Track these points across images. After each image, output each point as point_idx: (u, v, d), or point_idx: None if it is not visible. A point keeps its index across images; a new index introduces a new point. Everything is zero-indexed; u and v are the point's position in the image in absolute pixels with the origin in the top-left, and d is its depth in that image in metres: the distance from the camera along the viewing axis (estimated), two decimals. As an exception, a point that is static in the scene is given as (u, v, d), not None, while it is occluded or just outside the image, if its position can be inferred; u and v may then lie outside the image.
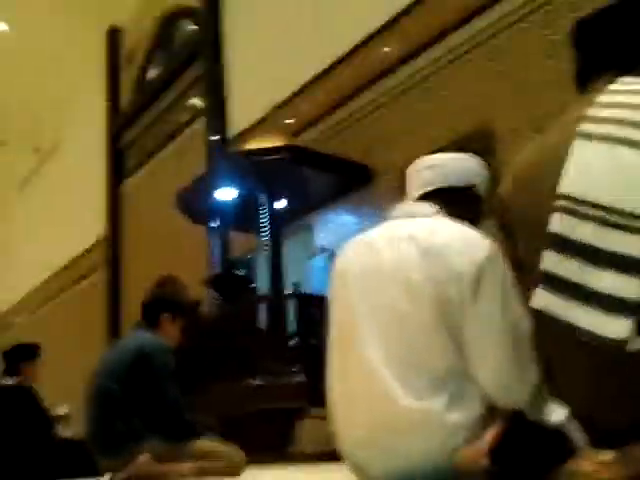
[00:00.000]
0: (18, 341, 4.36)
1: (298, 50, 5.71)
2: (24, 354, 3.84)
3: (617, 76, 1.19)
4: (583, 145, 1.11)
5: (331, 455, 2.21)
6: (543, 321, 1.12)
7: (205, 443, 2.64)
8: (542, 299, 1.10)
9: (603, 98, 1.15)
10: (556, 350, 1.15)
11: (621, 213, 1.03)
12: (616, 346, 1.01)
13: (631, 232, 1.02)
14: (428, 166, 1.62)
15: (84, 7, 9.07)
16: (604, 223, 1.04)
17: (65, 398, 6.58)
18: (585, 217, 1.06)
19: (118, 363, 2.72)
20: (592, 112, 1.13)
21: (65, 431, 4.91)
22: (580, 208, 1.07)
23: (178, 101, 7.77)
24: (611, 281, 1.02)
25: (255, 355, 3.70)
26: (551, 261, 1.09)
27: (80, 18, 9.23)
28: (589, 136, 1.11)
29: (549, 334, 1.13)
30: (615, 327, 1.01)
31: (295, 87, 5.64)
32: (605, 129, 1.09)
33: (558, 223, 1.09)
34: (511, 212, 1.28)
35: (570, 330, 1.05)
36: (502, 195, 1.32)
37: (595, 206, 1.05)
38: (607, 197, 1.05)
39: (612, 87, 1.17)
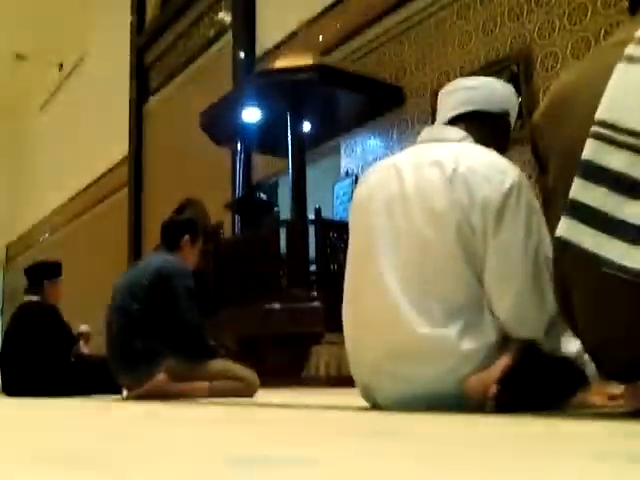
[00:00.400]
0: (41, 259, 4.40)
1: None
2: (46, 272, 3.86)
3: None
4: (625, 68, 1.03)
5: (345, 380, 2.20)
6: (566, 251, 1.07)
7: (221, 363, 2.66)
8: (566, 228, 1.05)
9: None
10: (576, 280, 1.10)
11: None
12: (636, 278, 0.96)
13: None
14: (462, 88, 1.57)
15: None
16: (638, 151, 0.98)
17: (87, 316, 6.77)
18: (618, 144, 1.00)
19: (138, 284, 2.73)
20: (639, 34, 1.05)
21: (85, 348, 5.05)
22: (614, 134, 1.01)
23: (204, 16, 7.51)
24: (638, 210, 0.97)
25: (274, 279, 3.69)
26: (579, 189, 1.04)
27: None
28: (631, 59, 1.03)
29: (571, 264, 1.09)
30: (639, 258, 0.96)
31: (326, 3, 5.37)
32: None
33: (590, 150, 1.03)
34: (544, 139, 1.22)
35: (592, 260, 1.01)
36: (536, 121, 1.26)
37: (631, 133, 0.99)
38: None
39: None
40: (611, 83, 1.04)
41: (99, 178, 9.85)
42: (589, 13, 3.52)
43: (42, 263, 4.03)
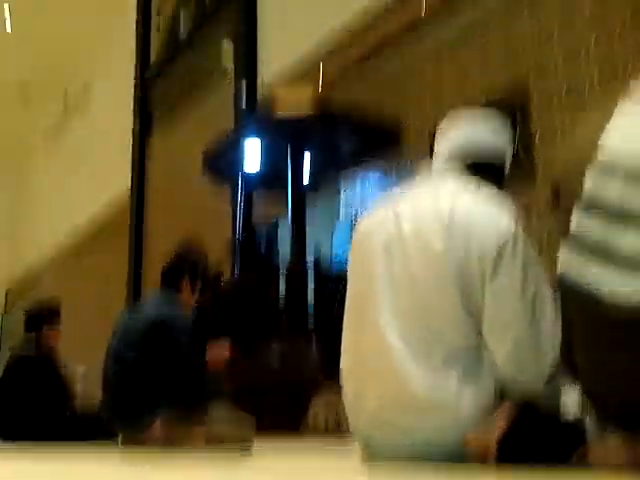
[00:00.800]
0: (40, 296, 4.40)
1: (332, 2, 5.52)
2: (45, 317, 3.85)
3: None
4: (626, 108, 1.12)
5: (343, 430, 2.17)
6: (566, 291, 1.11)
7: (217, 411, 2.64)
8: (565, 260, 1.10)
9: None
10: (576, 321, 1.13)
11: None
12: (632, 312, 0.99)
13: None
14: (457, 127, 1.59)
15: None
16: (634, 183, 1.02)
17: (84, 355, 6.70)
18: (614, 177, 1.05)
19: (134, 330, 2.73)
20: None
21: (81, 391, 4.99)
22: (612, 170, 1.07)
23: (208, 55, 7.63)
24: (632, 240, 1.00)
25: (272, 324, 3.67)
26: (577, 221, 1.09)
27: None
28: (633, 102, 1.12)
29: (571, 303, 1.13)
30: (634, 286, 0.99)
31: (328, 41, 5.46)
32: None
33: (589, 184, 1.09)
34: (567, 193, 1.27)
35: (590, 295, 1.03)
36: (559, 176, 1.37)
37: (626, 168, 1.04)
38: (637, 159, 1.03)
39: None
40: (613, 122, 1.12)
41: (99, 214, 9.89)
42: (581, 56, 3.59)
43: (41, 308, 4.01)
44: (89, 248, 10.26)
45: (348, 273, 1.57)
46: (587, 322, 1.09)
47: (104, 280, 9.43)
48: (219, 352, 2.93)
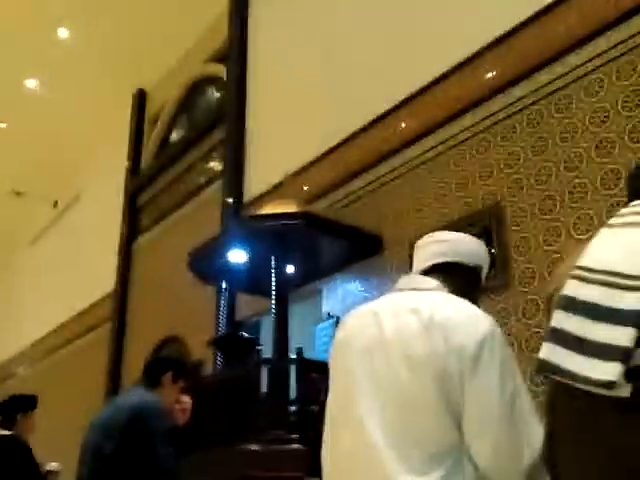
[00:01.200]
0: (17, 392, 4.32)
1: (315, 123, 5.91)
2: (20, 405, 3.79)
3: None
4: (603, 231, 1.27)
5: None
6: (544, 370, 1.19)
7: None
8: (546, 351, 1.18)
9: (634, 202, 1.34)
10: (556, 405, 1.20)
11: (621, 275, 1.13)
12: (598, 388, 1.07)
13: (627, 290, 1.12)
14: (439, 240, 1.68)
15: (115, 69, 9.47)
16: (605, 284, 1.15)
17: (59, 452, 6.48)
18: (592, 281, 1.18)
19: (113, 422, 2.69)
20: (621, 211, 1.32)
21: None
22: (589, 275, 1.19)
23: (197, 164, 7.98)
24: (604, 331, 1.10)
25: (253, 420, 3.65)
26: (557, 318, 1.20)
27: (110, 79, 9.61)
28: (611, 226, 1.27)
29: (550, 386, 1.21)
30: (604, 370, 1.07)
31: (311, 157, 5.79)
32: (622, 219, 1.27)
33: (569, 287, 1.21)
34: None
35: (565, 376, 1.13)
36: (548, 294, 1.43)
37: (601, 272, 1.17)
38: (611, 264, 1.16)
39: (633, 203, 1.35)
40: (591, 242, 1.25)
41: (81, 313, 9.85)
42: (553, 175, 3.84)
43: (16, 396, 3.96)
44: (68, 347, 10.14)
45: (330, 373, 1.57)
46: (566, 405, 1.17)
47: (82, 380, 9.25)
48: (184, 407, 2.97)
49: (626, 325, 1.08)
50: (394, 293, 1.58)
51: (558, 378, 1.15)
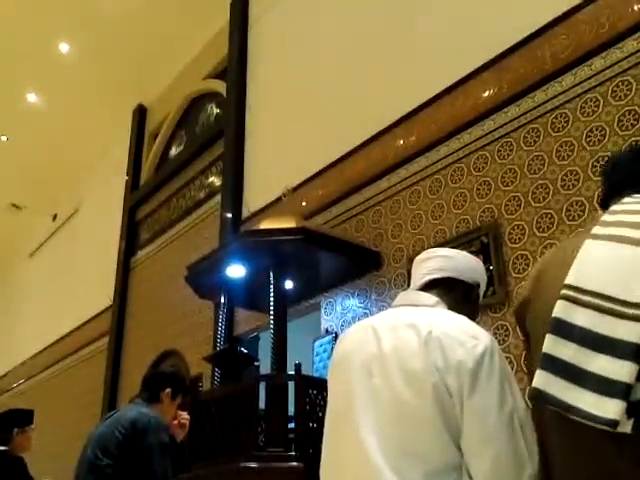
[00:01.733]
0: (13, 406, 4.31)
1: (314, 140, 5.95)
2: (17, 420, 3.78)
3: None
4: (589, 243, 1.23)
5: None
6: (541, 400, 1.16)
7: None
8: (540, 379, 1.15)
9: (615, 207, 1.30)
10: (551, 431, 1.17)
11: (615, 300, 1.11)
12: (608, 430, 1.05)
13: (623, 318, 1.09)
14: (434, 256, 1.70)
15: (115, 84, 9.52)
16: (600, 310, 1.12)
17: (55, 467, 6.44)
18: (584, 304, 1.14)
19: (110, 436, 2.69)
20: (603, 217, 1.29)
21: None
22: (580, 296, 1.15)
23: (196, 180, 8.01)
24: (604, 364, 1.08)
25: (251, 436, 3.63)
26: (551, 344, 1.16)
27: (110, 94, 9.67)
28: (596, 237, 1.23)
29: (546, 414, 1.16)
30: (607, 407, 1.05)
31: (310, 173, 5.82)
32: (608, 230, 1.22)
33: (559, 309, 1.18)
34: (529, 312, 1.36)
35: (564, 409, 1.10)
36: (524, 297, 1.41)
37: (593, 294, 1.14)
38: (603, 286, 1.14)
39: (625, 200, 1.31)
40: (578, 255, 1.21)
41: (78, 327, 9.83)
42: (551, 192, 3.87)
43: (13, 411, 3.95)
44: (66, 361, 10.11)
45: (328, 387, 1.58)
46: (561, 433, 1.15)
47: (79, 395, 9.22)
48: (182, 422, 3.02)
49: (626, 359, 1.06)
50: (393, 309, 1.59)
51: (557, 410, 1.12)
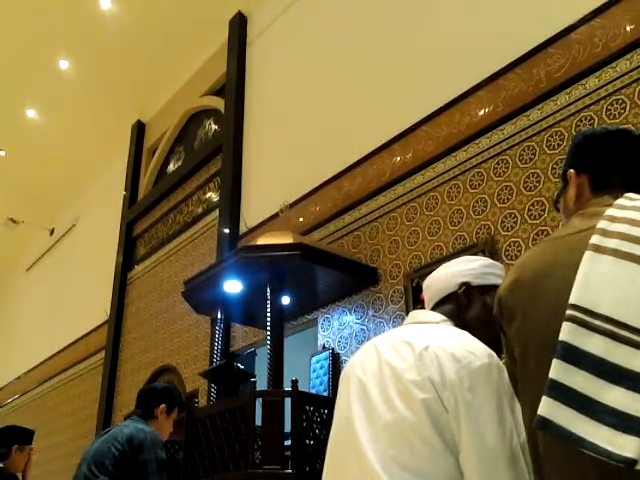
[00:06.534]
0: (9, 422, 4.27)
1: (311, 156, 5.99)
2: (17, 437, 3.74)
3: (625, 192, 1.21)
4: (592, 257, 1.11)
5: None
6: (547, 430, 1.05)
7: None
8: (548, 408, 1.05)
9: (612, 212, 1.16)
10: (553, 461, 1.10)
11: (630, 328, 1.02)
12: (619, 464, 0.96)
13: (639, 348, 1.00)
14: (430, 278, 1.70)
15: (114, 100, 9.58)
16: (614, 337, 1.02)
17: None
18: (595, 330, 1.04)
19: (106, 453, 2.68)
20: (601, 224, 1.15)
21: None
22: (590, 320, 1.05)
23: (194, 195, 8.04)
24: (620, 397, 0.98)
25: (247, 453, 3.62)
26: (560, 370, 1.05)
27: (109, 110, 9.72)
28: (598, 249, 1.11)
29: (550, 444, 1.09)
30: (625, 445, 0.96)
31: (307, 189, 5.86)
32: (613, 243, 1.10)
33: (567, 332, 1.06)
34: (510, 318, 1.26)
35: (575, 442, 1.00)
36: (500, 296, 1.31)
37: (605, 319, 1.03)
38: (617, 311, 1.04)
39: (619, 202, 1.18)
40: (581, 270, 1.10)
41: (74, 342, 9.80)
42: (547, 209, 3.90)
43: (14, 427, 3.91)
44: (61, 377, 10.06)
45: (336, 404, 1.57)
46: (565, 465, 1.07)
47: (74, 410, 9.17)
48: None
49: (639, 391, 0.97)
50: (401, 327, 1.59)
51: (566, 441, 1.02)
